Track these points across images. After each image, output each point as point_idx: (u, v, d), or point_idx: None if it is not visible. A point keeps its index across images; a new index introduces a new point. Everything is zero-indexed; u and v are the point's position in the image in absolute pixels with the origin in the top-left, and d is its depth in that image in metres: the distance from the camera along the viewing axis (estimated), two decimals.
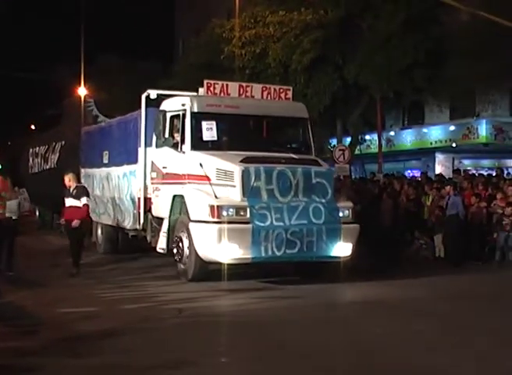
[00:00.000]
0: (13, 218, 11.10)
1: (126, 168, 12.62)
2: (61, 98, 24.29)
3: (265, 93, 11.41)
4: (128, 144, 12.51)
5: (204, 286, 9.93)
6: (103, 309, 8.29)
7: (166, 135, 11.01)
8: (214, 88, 11.07)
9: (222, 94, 11.12)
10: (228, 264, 9.80)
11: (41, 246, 15.66)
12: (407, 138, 24.90)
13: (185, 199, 10.32)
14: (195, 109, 10.77)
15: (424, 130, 24.17)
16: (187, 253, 10.29)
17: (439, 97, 20.04)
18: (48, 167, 18.67)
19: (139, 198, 12.00)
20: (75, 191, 11.11)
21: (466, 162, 24.08)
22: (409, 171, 24.42)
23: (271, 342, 6.78)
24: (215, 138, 10.55)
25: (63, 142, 17.93)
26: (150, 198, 11.78)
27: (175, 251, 10.61)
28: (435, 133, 23.65)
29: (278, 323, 7.70)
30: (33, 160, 20.74)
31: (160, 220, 11.41)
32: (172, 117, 11.07)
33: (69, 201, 11.12)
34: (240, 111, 10.92)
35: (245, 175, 9.88)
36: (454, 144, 22.29)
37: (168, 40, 40.79)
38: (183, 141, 10.82)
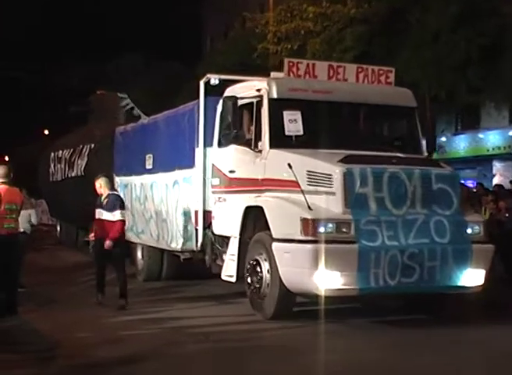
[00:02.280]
0: (21, 231, 10.83)
1: (177, 174, 11.74)
2: (80, 99, 23.71)
3: (361, 75, 10.28)
4: (180, 144, 11.62)
5: (242, 309, 9.73)
6: (125, 333, 8.46)
7: (236, 130, 9.82)
8: (297, 69, 9.96)
9: (307, 77, 10.00)
10: (325, 297, 8.51)
11: (53, 263, 16.24)
12: (461, 144, 25.02)
13: (265, 211, 9.21)
14: (275, 95, 9.70)
15: (480, 135, 24.13)
16: (267, 282, 9.17)
17: (497, 98, 19.06)
18: (73, 174, 17.96)
19: (196, 212, 11.11)
20: (106, 201, 10.30)
21: None
22: (462, 181, 24.03)
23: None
24: (301, 132, 9.45)
25: (92, 145, 17.12)
26: (210, 212, 10.86)
27: (249, 279, 9.54)
28: (492, 139, 23.59)
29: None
30: (54, 166, 20.18)
31: (224, 239, 10.52)
32: (242, 107, 10.01)
33: (100, 213, 10.35)
34: (332, 97, 9.84)
35: (348, 179, 8.67)
36: None
37: (194, 38, 41.14)
38: (258, 137, 9.78)
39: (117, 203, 10.22)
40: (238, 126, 9.80)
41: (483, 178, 22.26)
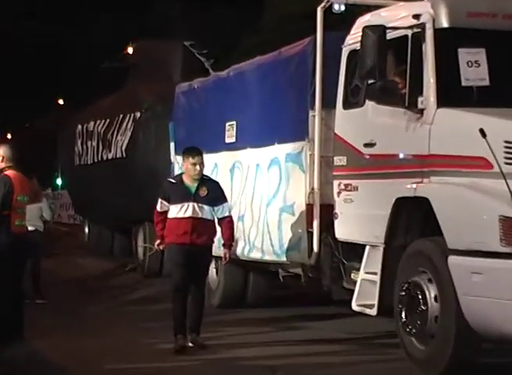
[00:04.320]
0: (29, 229, 11.25)
1: (277, 150, 10.78)
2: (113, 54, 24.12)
3: None
4: (283, 105, 10.65)
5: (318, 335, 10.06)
6: (167, 365, 8.59)
7: (381, 78, 8.47)
8: None
9: None
10: None
11: (71, 272, 16.81)
12: None
13: (433, 206, 7.87)
14: (445, 24, 8.29)
15: None
16: (434, 317, 7.97)
17: None
18: (110, 156, 17.46)
19: (309, 206, 9.94)
20: (205, 190, 9.47)
21: None
22: None
23: None
24: (486, 81, 8.16)
25: (137, 113, 16.27)
26: (330, 206, 9.74)
27: (402, 312, 8.25)
28: None
29: None
30: (82, 145, 19.71)
31: (356, 249, 9.46)
32: (389, 43, 8.55)
33: (184, 208, 9.39)
34: None
35: None
36: None
37: None
38: (416, 90, 8.38)
39: (222, 192, 9.70)
40: (384, 73, 8.40)
41: None
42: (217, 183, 9.95)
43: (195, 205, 9.44)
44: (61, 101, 41.94)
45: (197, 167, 9.40)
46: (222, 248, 9.77)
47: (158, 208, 9.63)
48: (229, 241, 9.71)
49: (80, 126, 20.19)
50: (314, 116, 9.79)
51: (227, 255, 9.72)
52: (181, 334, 9.42)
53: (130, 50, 21.83)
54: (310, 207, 9.91)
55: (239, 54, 17.48)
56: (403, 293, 8.22)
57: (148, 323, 10.76)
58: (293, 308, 11.82)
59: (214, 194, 9.62)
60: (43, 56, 40.35)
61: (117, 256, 19.18)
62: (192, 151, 9.64)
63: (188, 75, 15.08)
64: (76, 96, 32.43)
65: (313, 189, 9.87)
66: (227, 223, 9.66)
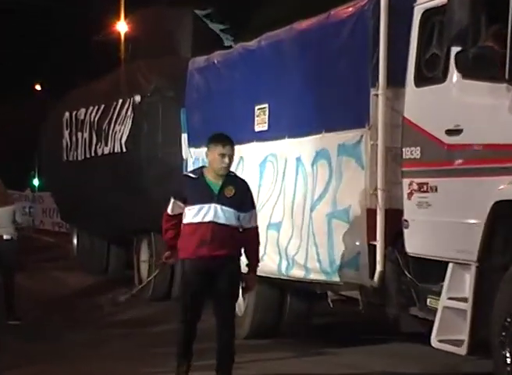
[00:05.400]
0: (5, 237, 12.20)
1: (326, 140, 10.01)
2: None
3: None
4: (333, 83, 9.95)
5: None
6: None
7: (475, 43, 7.67)
8: None
9: None
10: None
11: (53, 289, 16.75)
12: None
13: None
14: None
15: None
16: None
17: None
18: (106, 150, 16.88)
19: (371, 212, 9.19)
20: (232, 189, 8.92)
21: None
22: None
23: None
24: None
25: (137, 97, 15.69)
26: (399, 212, 9.08)
27: (507, 353, 7.56)
28: None
29: None
30: (71, 137, 19.14)
31: (432, 267, 8.73)
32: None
33: (203, 212, 8.78)
34: None
35: None
36: None
37: None
38: None
39: (251, 196, 9.11)
40: (479, 37, 7.61)
41: None
42: (246, 183, 9.31)
43: (218, 207, 8.69)
44: (38, 87, 41.78)
45: (226, 159, 8.72)
46: (246, 268, 9.11)
47: (169, 210, 8.92)
48: (256, 260, 9.05)
49: (67, 114, 19.53)
50: (376, 95, 8.94)
51: (254, 280, 9.09)
52: (185, 364, 8.87)
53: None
54: (371, 212, 9.06)
55: (265, 21, 16.94)
56: (507, 326, 7.45)
57: (142, 349, 10.53)
58: (341, 340, 11.17)
59: (241, 196, 8.94)
60: (19, 29, 40.01)
61: (113, 274, 18.56)
62: (222, 138, 8.97)
63: (200, 51, 14.50)
64: (57, 81, 32.18)
65: (376, 189, 9.02)
66: (254, 235, 8.96)
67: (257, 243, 9.08)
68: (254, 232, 8.91)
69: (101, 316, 13.17)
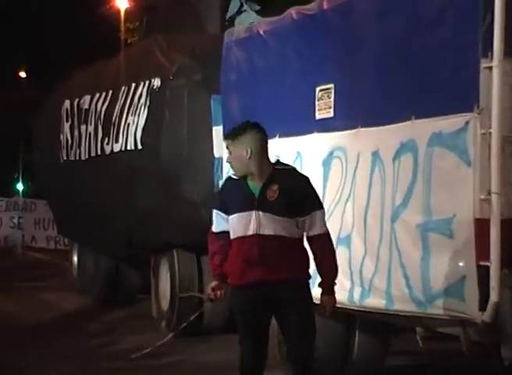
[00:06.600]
0: None
1: (415, 129, 9.11)
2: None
3: None
4: (426, 55, 9.14)
5: None
6: None
7: None
8: None
9: None
10: None
11: (41, 315, 16.23)
12: None
13: None
14: None
15: None
16: None
17: None
18: (116, 148, 16.04)
19: (482, 223, 8.36)
20: (276, 189, 8.45)
21: None
22: None
23: None
24: None
25: (157, 81, 14.86)
26: None
27: None
28: None
29: None
30: (72, 131, 18.50)
31: None
32: None
33: (243, 221, 8.38)
34: None
35: None
36: None
37: None
38: None
39: (310, 192, 8.39)
40: None
41: None
42: (302, 176, 8.58)
43: (261, 214, 7.97)
44: (23, 74, 41.33)
45: (229, 157, 8.53)
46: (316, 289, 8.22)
47: (214, 226, 8.23)
48: (331, 276, 8.16)
49: (67, 103, 18.40)
50: (489, 68, 7.94)
51: (330, 305, 8.18)
52: None
53: None
54: (482, 224, 8.04)
55: None
56: None
57: None
58: None
59: (293, 194, 8.06)
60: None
61: (123, 303, 17.11)
62: (231, 130, 8.73)
63: (229, 26, 14.50)
64: (41, 67, 31.98)
65: (488, 194, 8.05)
66: (324, 244, 8.02)
67: (331, 253, 8.27)
68: (325, 239, 8.07)
69: (92, 346, 12.78)
